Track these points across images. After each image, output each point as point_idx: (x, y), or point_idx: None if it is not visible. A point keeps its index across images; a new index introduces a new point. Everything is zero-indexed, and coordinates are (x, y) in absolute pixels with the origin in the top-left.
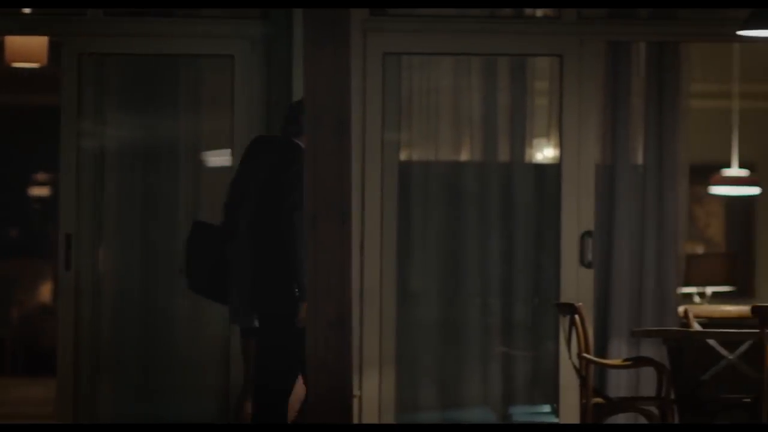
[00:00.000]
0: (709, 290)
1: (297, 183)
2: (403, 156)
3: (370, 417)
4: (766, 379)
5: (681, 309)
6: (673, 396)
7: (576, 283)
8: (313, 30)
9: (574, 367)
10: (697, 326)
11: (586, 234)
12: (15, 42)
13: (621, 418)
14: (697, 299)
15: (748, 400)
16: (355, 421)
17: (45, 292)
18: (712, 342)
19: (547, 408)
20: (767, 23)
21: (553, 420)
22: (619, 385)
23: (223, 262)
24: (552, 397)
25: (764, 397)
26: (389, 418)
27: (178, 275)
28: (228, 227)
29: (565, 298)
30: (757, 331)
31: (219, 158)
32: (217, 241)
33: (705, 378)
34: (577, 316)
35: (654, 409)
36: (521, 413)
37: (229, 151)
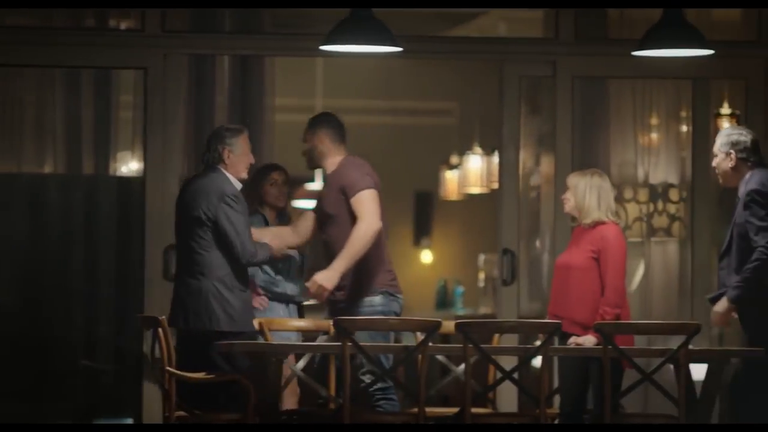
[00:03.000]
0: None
1: (230, 211)
2: None
3: None
4: (345, 390)
5: (255, 322)
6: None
7: (161, 297)
8: None
9: (158, 380)
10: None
11: (170, 247)
12: None
13: None
14: None
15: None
16: None
17: None
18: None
19: (130, 421)
20: (346, 39)
21: None
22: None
23: None
24: (136, 410)
25: (346, 406)
26: None
27: None
28: None
29: (149, 311)
30: (338, 344)
31: None
32: None
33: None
34: (160, 330)
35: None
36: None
37: None
